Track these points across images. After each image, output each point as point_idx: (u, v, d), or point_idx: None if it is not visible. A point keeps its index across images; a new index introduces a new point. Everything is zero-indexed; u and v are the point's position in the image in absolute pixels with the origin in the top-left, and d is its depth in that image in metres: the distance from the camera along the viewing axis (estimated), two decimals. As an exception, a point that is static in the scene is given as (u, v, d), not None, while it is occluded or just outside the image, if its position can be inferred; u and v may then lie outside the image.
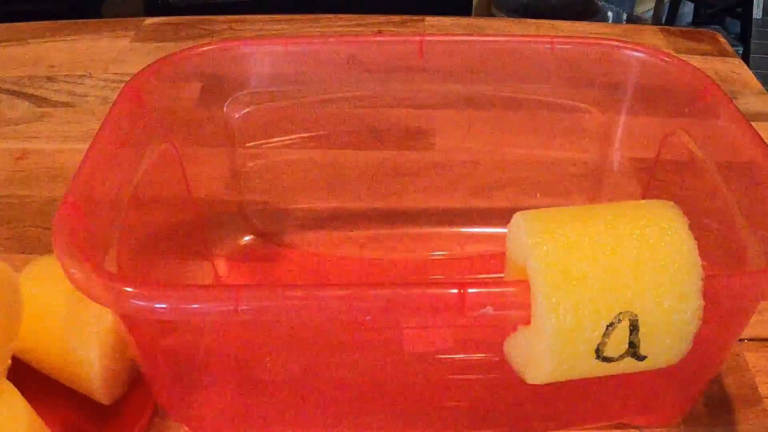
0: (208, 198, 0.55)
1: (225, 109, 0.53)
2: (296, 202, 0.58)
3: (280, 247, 0.57)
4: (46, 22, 0.88)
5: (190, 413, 0.43)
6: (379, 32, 0.85)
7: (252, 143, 0.55)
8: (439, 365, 0.42)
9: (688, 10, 2.24)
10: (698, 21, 2.19)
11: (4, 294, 0.41)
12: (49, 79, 0.78)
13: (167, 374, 0.42)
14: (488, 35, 0.69)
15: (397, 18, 0.88)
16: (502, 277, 0.37)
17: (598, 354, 0.32)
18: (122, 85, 0.47)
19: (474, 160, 0.57)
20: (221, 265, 0.55)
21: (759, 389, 0.47)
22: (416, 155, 0.57)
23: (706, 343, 0.33)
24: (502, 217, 0.37)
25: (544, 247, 0.32)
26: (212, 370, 0.43)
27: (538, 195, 0.57)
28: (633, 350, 0.32)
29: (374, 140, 0.56)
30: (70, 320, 0.43)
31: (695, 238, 0.33)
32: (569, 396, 0.42)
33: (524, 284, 0.32)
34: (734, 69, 0.81)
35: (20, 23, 0.87)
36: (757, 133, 0.42)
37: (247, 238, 0.57)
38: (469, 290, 0.32)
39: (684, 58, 0.50)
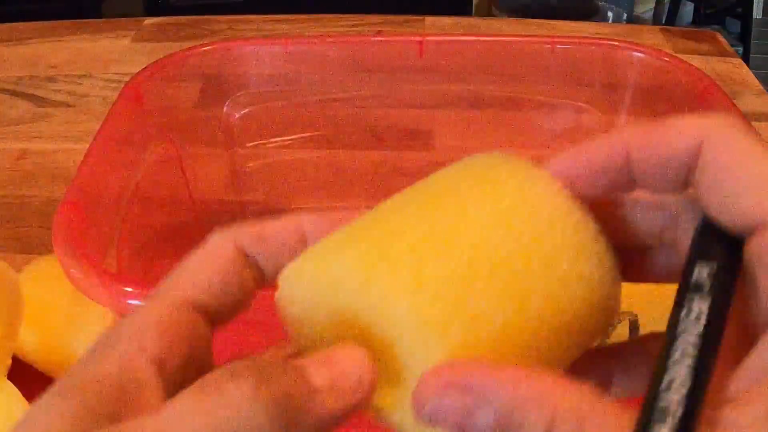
0: (208, 198, 0.55)
1: (225, 109, 0.53)
2: (296, 202, 0.58)
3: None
4: (46, 22, 0.88)
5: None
6: (379, 32, 0.85)
7: (252, 143, 0.55)
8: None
9: (688, 10, 2.24)
10: (698, 21, 2.19)
11: (4, 294, 0.41)
12: (49, 79, 0.78)
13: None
14: (488, 35, 0.69)
15: (397, 18, 0.88)
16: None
17: (598, 354, 0.32)
18: (122, 85, 0.47)
19: (474, 160, 0.57)
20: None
21: (759, 389, 0.47)
22: (416, 155, 0.57)
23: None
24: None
25: None
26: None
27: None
28: (633, 350, 0.32)
29: (374, 140, 0.56)
30: (70, 320, 0.43)
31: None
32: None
33: None
34: (734, 69, 0.81)
35: (20, 23, 0.88)
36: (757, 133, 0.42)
37: (247, 238, 0.57)
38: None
39: (684, 58, 0.50)
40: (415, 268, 0.21)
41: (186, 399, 0.20)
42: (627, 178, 0.23)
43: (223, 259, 0.24)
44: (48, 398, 0.20)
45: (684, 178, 0.22)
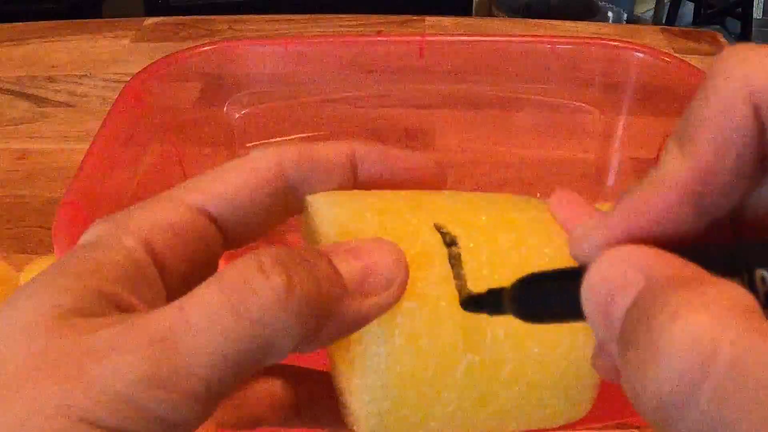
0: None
1: (225, 109, 0.53)
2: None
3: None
4: (46, 22, 0.88)
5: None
6: (379, 32, 0.85)
7: (252, 143, 0.55)
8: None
9: (688, 10, 2.24)
10: (698, 21, 2.19)
11: (5, 294, 0.41)
12: (49, 79, 0.78)
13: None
14: (488, 35, 0.69)
15: (397, 18, 0.88)
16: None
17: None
18: (122, 85, 0.47)
19: (474, 160, 0.57)
20: (221, 266, 0.55)
21: (759, 389, 0.47)
22: (416, 155, 0.57)
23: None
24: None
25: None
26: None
27: (539, 195, 0.57)
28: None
29: (374, 140, 0.56)
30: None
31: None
32: (569, 396, 0.42)
33: None
34: (734, 69, 0.81)
35: (20, 23, 0.87)
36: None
37: (247, 238, 0.57)
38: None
39: (684, 58, 0.50)
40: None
41: (211, 293, 0.18)
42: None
43: (259, 174, 0.22)
44: (50, 274, 0.19)
45: None
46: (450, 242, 0.23)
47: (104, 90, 0.76)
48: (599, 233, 0.19)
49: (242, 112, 0.53)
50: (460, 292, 0.22)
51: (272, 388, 0.25)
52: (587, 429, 0.45)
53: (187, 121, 0.52)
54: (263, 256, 0.19)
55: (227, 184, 0.22)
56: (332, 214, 0.23)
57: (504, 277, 0.22)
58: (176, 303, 0.18)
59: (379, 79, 0.52)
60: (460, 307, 0.22)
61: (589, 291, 0.18)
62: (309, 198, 0.24)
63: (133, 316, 0.18)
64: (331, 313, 0.20)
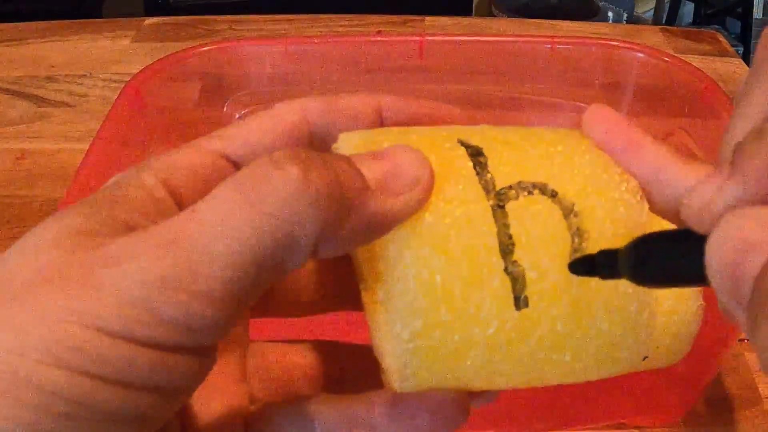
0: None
1: (225, 109, 0.53)
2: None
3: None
4: (46, 22, 0.88)
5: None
6: (379, 32, 0.85)
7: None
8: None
9: (688, 10, 2.24)
10: (698, 21, 2.19)
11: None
12: (49, 79, 0.78)
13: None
14: (488, 35, 0.69)
15: (397, 18, 0.88)
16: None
17: (598, 354, 0.32)
18: (122, 85, 0.47)
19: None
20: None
21: (759, 389, 0.47)
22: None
23: (706, 342, 0.33)
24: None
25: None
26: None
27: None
28: (633, 350, 0.32)
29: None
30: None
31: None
32: (569, 396, 0.42)
33: None
34: (734, 69, 0.81)
35: (20, 23, 0.87)
36: (757, 133, 0.42)
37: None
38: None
39: (684, 58, 0.50)
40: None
41: (224, 191, 0.18)
42: None
43: (282, 122, 0.23)
44: (74, 206, 0.19)
45: None
46: (475, 153, 0.22)
47: (104, 90, 0.76)
48: (721, 202, 0.18)
49: (242, 112, 0.53)
50: (487, 192, 0.21)
51: (310, 362, 0.25)
52: (587, 429, 0.45)
53: (187, 121, 0.52)
54: (278, 153, 0.18)
55: (249, 131, 0.22)
56: (355, 136, 0.22)
57: (532, 182, 0.21)
58: (189, 207, 0.18)
59: (379, 79, 0.52)
60: (491, 212, 0.20)
61: (715, 251, 0.17)
62: (334, 145, 0.23)
63: (158, 226, 0.18)
64: (352, 206, 0.19)
